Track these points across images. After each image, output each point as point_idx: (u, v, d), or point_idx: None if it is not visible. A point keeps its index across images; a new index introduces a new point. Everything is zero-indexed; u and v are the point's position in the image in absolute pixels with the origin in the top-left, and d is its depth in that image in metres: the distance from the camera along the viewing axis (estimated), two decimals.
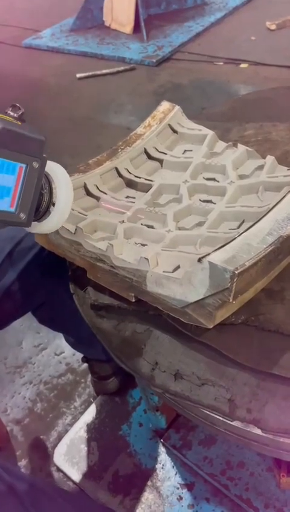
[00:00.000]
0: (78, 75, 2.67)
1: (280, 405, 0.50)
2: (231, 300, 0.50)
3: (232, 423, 0.51)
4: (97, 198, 0.68)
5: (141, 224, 0.64)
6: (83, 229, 0.61)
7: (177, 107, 0.77)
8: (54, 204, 0.55)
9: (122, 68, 2.68)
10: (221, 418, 0.52)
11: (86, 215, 0.64)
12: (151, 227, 0.64)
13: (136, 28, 2.95)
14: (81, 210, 0.64)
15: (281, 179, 0.63)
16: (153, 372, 0.56)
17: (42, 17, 3.49)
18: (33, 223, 0.54)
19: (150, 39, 2.89)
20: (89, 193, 0.68)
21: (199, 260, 0.50)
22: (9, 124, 0.47)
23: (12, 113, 0.51)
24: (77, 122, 2.28)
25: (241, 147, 0.70)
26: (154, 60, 2.67)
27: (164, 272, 0.55)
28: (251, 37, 2.75)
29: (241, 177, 0.68)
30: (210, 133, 0.74)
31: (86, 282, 0.67)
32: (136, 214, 0.64)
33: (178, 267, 0.56)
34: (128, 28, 3.00)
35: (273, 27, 2.75)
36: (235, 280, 0.48)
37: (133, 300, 0.60)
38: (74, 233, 0.61)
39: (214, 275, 0.49)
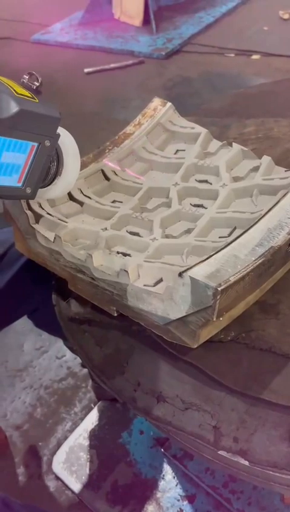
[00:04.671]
0: (86, 70, 2.63)
1: (270, 434, 0.45)
2: (214, 319, 0.45)
3: (218, 452, 0.47)
4: (81, 204, 0.64)
5: (127, 231, 0.60)
6: (63, 237, 0.57)
7: (169, 104, 0.71)
8: (60, 173, 0.55)
9: (130, 62, 2.62)
10: (207, 446, 0.48)
11: (67, 223, 0.59)
12: (137, 234, 0.59)
13: (146, 20, 2.88)
14: (62, 217, 0.60)
15: (277, 182, 0.58)
16: (134, 394, 0.52)
17: (51, 11, 3.44)
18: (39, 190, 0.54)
19: (159, 31, 2.82)
20: (72, 198, 0.64)
21: (180, 275, 0.45)
22: (26, 103, 0.45)
23: (29, 84, 0.48)
24: (83, 118, 2.24)
25: (236, 146, 0.65)
26: (164, 53, 2.61)
27: (144, 285, 0.50)
28: (264, 27, 2.66)
29: (235, 179, 0.63)
30: (203, 131, 0.69)
31: (69, 293, 0.63)
32: (120, 220, 0.60)
33: (161, 280, 0.51)
34: (137, 21, 2.94)
35: (286, 16, 2.66)
36: (218, 297, 0.43)
37: (115, 314, 0.56)
38: (53, 241, 0.57)
39: (196, 292, 0.44)
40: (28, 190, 0.50)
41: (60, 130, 0.53)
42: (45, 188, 0.55)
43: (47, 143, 0.49)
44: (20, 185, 0.49)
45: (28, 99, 0.46)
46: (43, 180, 0.53)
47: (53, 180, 0.55)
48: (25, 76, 0.47)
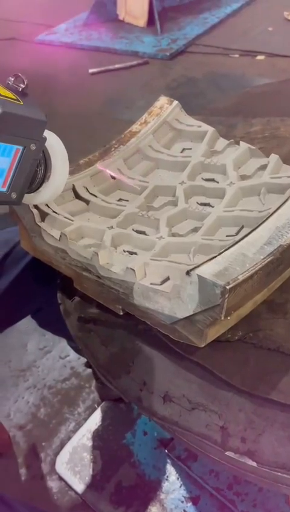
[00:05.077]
0: (90, 70, 2.63)
1: (278, 435, 0.45)
2: (222, 318, 0.44)
3: (226, 453, 0.46)
4: (87, 202, 0.63)
5: (133, 230, 0.60)
6: (69, 235, 0.56)
7: (175, 102, 0.71)
8: (48, 178, 0.53)
9: (135, 62, 2.62)
10: (213, 447, 0.47)
11: (72, 221, 0.59)
12: (143, 233, 0.59)
13: (150, 21, 2.88)
14: (67, 215, 0.60)
15: (285, 180, 0.58)
16: (140, 393, 0.51)
17: (56, 12, 3.45)
18: (26, 195, 0.52)
19: (164, 32, 2.82)
20: (78, 196, 0.64)
21: (188, 273, 0.45)
22: (10, 106, 0.44)
23: (14, 85, 0.47)
24: (88, 118, 2.24)
25: (243, 145, 0.65)
26: (168, 54, 2.61)
27: (151, 284, 0.50)
28: (268, 27, 2.66)
29: (242, 177, 0.62)
30: (210, 129, 0.68)
31: (75, 291, 0.62)
32: (126, 218, 0.60)
33: (167, 278, 0.50)
34: (142, 21, 2.94)
35: None
36: (226, 296, 0.43)
37: (121, 313, 0.55)
38: (59, 239, 0.57)
39: (204, 290, 0.44)
40: (14, 195, 0.48)
41: (48, 134, 0.51)
42: (32, 193, 0.53)
43: (33, 147, 0.48)
44: (4, 189, 0.47)
45: (12, 102, 0.45)
46: (30, 185, 0.52)
47: (41, 185, 0.53)
48: (10, 78, 0.46)
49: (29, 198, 0.54)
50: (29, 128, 0.46)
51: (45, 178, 0.52)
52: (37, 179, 0.52)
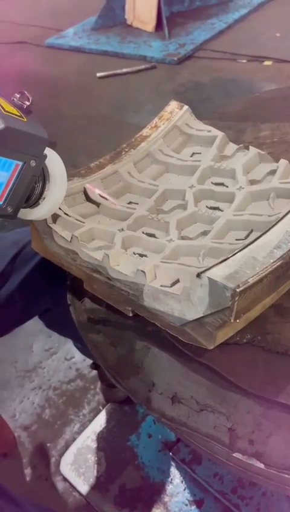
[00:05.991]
0: (98, 74, 2.65)
1: (286, 437, 0.45)
2: (232, 321, 0.45)
3: (233, 455, 0.47)
4: (97, 204, 0.64)
5: (142, 232, 0.60)
6: (80, 237, 0.57)
7: (185, 107, 0.72)
8: (45, 195, 0.53)
9: (143, 67, 2.64)
10: (221, 448, 0.48)
11: (84, 223, 0.60)
12: (153, 235, 0.60)
13: (159, 26, 2.90)
14: (78, 217, 0.61)
15: None
16: (149, 394, 0.52)
17: (65, 16, 3.48)
18: (22, 210, 0.53)
19: (172, 37, 2.84)
20: (89, 199, 0.64)
21: (198, 275, 0.45)
22: (13, 121, 0.45)
23: (19, 102, 0.48)
24: (95, 122, 2.26)
25: (252, 150, 0.65)
26: (176, 58, 2.62)
27: (161, 286, 0.50)
28: (276, 33, 2.67)
29: (252, 182, 0.63)
30: (220, 134, 0.69)
31: (84, 293, 0.63)
32: (136, 221, 0.60)
33: (177, 281, 0.51)
34: (150, 26, 2.96)
35: None
36: (236, 299, 0.43)
37: (130, 314, 0.56)
38: (70, 241, 0.58)
39: (214, 292, 0.45)
40: (9, 209, 0.49)
41: (48, 151, 0.52)
42: (29, 208, 0.54)
43: (32, 163, 0.48)
44: (0, 203, 0.48)
45: (16, 118, 0.45)
46: (27, 200, 0.52)
47: (37, 200, 0.53)
48: (16, 95, 0.47)
49: (25, 213, 0.54)
50: (30, 145, 0.47)
51: (42, 194, 0.53)
52: (34, 194, 0.53)
